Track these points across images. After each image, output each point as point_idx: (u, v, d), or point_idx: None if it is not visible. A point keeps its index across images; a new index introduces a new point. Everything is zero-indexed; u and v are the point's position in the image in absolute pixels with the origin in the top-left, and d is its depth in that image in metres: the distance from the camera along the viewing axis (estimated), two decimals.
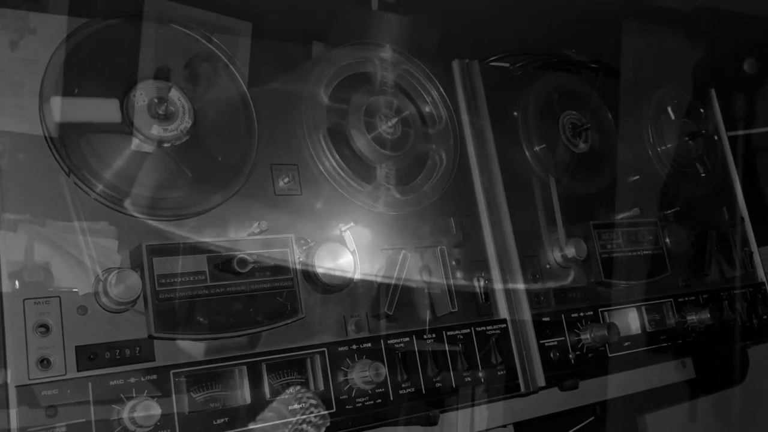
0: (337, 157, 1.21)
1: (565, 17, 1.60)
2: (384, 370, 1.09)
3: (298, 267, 1.07)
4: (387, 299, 1.15)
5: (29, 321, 0.90)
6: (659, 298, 1.52)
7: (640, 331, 1.47)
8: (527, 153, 1.45)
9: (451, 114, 1.37)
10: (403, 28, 1.41)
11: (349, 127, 1.23)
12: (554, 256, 1.39)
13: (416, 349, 1.17)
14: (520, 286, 1.33)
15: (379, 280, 1.18)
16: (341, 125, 1.23)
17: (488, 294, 1.29)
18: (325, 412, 1.02)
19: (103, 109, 1.01)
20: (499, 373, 1.24)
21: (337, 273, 1.10)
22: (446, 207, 1.31)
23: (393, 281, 1.16)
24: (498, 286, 1.31)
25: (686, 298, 1.57)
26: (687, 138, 1.73)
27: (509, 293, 1.32)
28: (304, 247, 1.11)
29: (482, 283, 1.29)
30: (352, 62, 1.29)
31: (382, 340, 1.15)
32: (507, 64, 1.56)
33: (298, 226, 1.14)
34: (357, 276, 1.14)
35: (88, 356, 0.92)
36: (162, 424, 0.92)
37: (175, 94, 1.07)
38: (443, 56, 1.42)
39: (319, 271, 1.09)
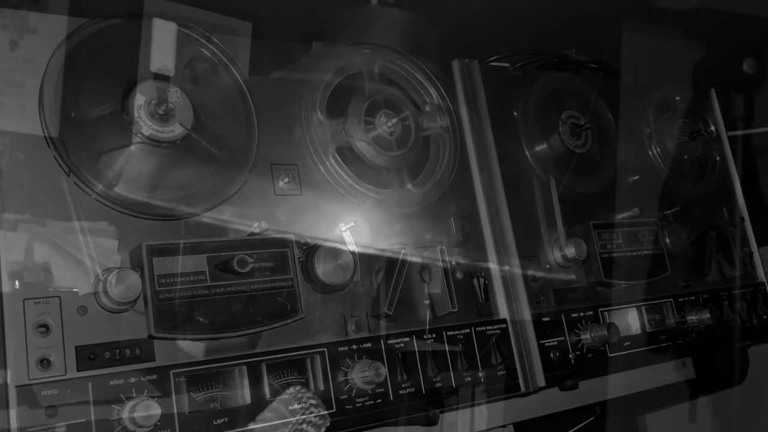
0: (338, 157, 1.21)
1: (565, 17, 1.60)
2: (384, 370, 1.09)
3: (298, 267, 1.07)
4: (387, 299, 1.15)
5: (29, 321, 0.90)
6: (659, 298, 1.52)
7: (640, 331, 1.47)
8: (527, 153, 1.45)
9: (451, 114, 1.37)
10: (402, 27, 1.41)
11: (353, 140, 1.23)
12: (554, 256, 1.39)
13: (416, 349, 1.17)
14: (521, 286, 1.33)
15: (378, 279, 1.18)
16: (347, 142, 1.23)
17: (488, 294, 1.29)
18: (325, 412, 1.02)
19: None
20: (499, 373, 1.24)
21: (337, 273, 1.10)
22: (446, 207, 1.31)
23: (393, 281, 1.16)
24: (498, 286, 1.31)
25: (686, 298, 1.57)
26: (687, 138, 1.73)
27: (509, 293, 1.32)
28: (304, 247, 1.11)
29: (482, 283, 1.29)
30: (340, 67, 1.27)
31: (382, 340, 1.15)
32: (507, 64, 1.56)
33: (298, 226, 1.14)
34: (357, 276, 1.14)
35: (88, 356, 0.92)
36: (162, 424, 0.92)
37: (174, 94, 1.07)
38: (443, 56, 1.42)
39: (319, 271, 1.09)
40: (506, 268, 1.33)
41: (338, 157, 1.21)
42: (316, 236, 1.14)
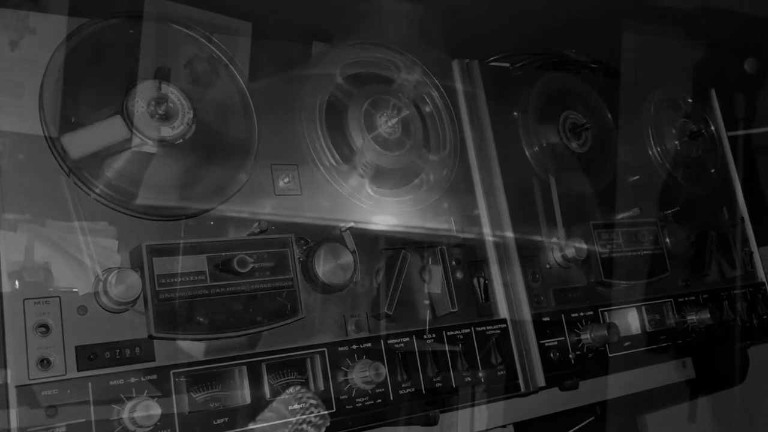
0: (337, 156, 1.21)
1: (565, 17, 1.60)
2: (384, 370, 1.09)
3: (298, 267, 1.07)
4: (387, 299, 1.15)
5: (29, 321, 0.90)
6: (659, 298, 1.52)
7: (640, 331, 1.47)
8: (527, 153, 1.45)
9: (451, 114, 1.37)
10: (404, 23, 1.41)
11: (349, 108, 1.23)
12: (554, 256, 1.39)
13: (416, 349, 1.17)
14: (521, 286, 1.33)
15: (378, 279, 1.18)
16: (342, 102, 1.23)
17: (488, 294, 1.29)
18: (325, 412, 1.02)
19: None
20: (499, 373, 1.24)
21: (337, 273, 1.10)
22: (446, 207, 1.31)
23: (393, 281, 1.16)
24: (498, 286, 1.31)
25: (686, 298, 1.57)
26: (687, 138, 1.73)
27: (509, 293, 1.32)
28: (304, 247, 1.11)
29: (482, 283, 1.29)
30: (378, 62, 1.29)
31: (382, 340, 1.15)
32: (507, 64, 1.56)
33: (298, 226, 1.14)
34: (357, 276, 1.14)
35: (88, 356, 0.92)
36: (162, 424, 0.92)
37: (174, 94, 1.07)
38: (443, 56, 1.42)
39: (319, 271, 1.09)
40: (506, 267, 1.33)
41: (329, 138, 1.21)
42: (316, 236, 1.14)
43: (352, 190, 1.21)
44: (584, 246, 1.38)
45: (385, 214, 1.24)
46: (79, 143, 0.97)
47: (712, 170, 1.79)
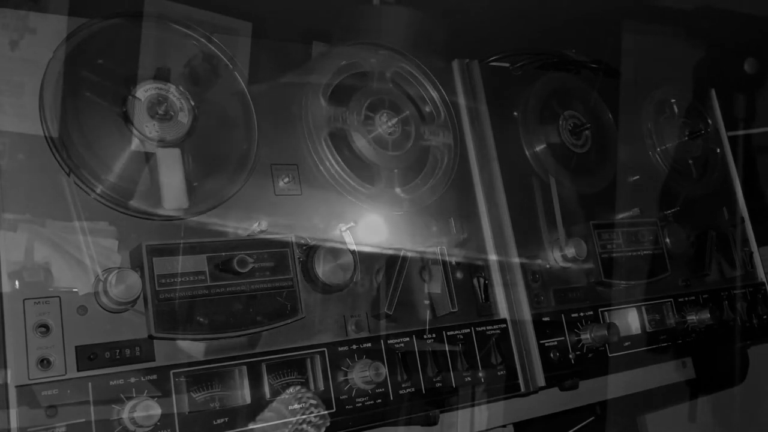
0: (338, 157, 1.21)
1: (565, 17, 1.60)
2: (384, 370, 1.09)
3: (298, 267, 1.07)
4: (387, 299, 1.15)
5: (29, 321, 0.90)
6: (659, 298, 1.52)
7: (640, 331, 1.47)
8: (527, 153, 1.45)
9: (451, 114, 1.37)
10: (403, 27, 1.42)
11: (350, 131, 1.23)
12: (554, 256, 1.39)
13: (416, 349, 1.17)
14: (521, 286, 1.33)
15: (378, 279, 1.18)
16: (342, 130, 1.23)
17: (488, 294, 1.29)
18: (325, 412, 1.02)
19: None
20: (499, 373, 1.24)
21: (337, 273, 1.10)
22: (446, 207, 1.31)
23: (393, 281, 1.16)
24: (498, 286, 1.31)
25: (686, 298, 1.57)
26: (687, 138, 1.73)
27: (509, 293, 1.32)
28: (304, 247, 1.11)
29: (482, 283, 1.29)
30: (348, 63, 1.28)
31: (382, 340, 1.15)
32: (507, 64, 1.56)
33: (298, 226, 1.14)
34: (357, 276, 1.14)
35: (88, 356, 0.92)
36: (162, 424, 0.92)
37: (174, 94, 1.07)
38: (443, 56, 1.42)
39: (319, 271, 1.09)
40: (506, 267, 1.33)
41: (330, 142, 1.20)
42: (316, 236, 1.14)
43: (352, 190, 1.21)
44: (584, 246, 1.38)
45: (385, 214, 1.24)
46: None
47: (712, 170, 1.79)
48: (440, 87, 1.37)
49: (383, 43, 1.33)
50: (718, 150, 1.83)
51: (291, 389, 1.02)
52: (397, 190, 1.26)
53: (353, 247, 1.15)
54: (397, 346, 1.16)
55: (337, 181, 1.20)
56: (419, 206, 1.27)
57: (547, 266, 1.39)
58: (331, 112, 1.22)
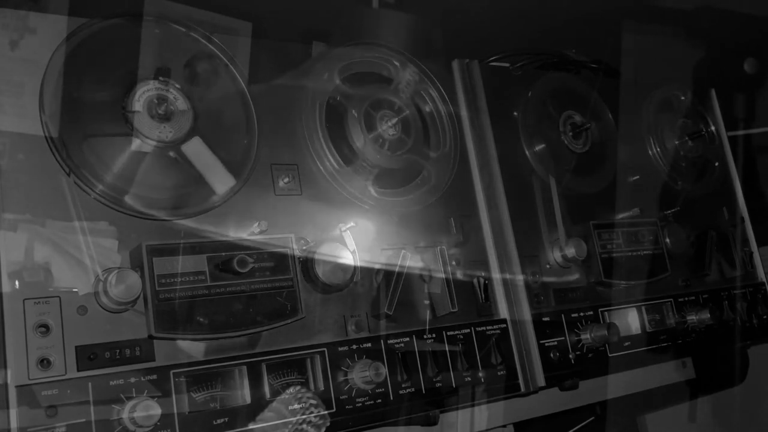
0: (338, 156, 1.21)
1: (565, 17, 1.60)
2: (384, 370, 1.09)
3: (298, 267, 1.07)
4: (387, 299, 1.15)
5: (29, 321, 0.90)
6: (659, 298, 1.52)
7: (640, 331, 1.47)
8: (527, 153, 1.45)
9: (451, 114, 1.37)
10: (403, 27, 1.41)
11: (349, 110, 1.23)
12: (554, 256, 1.39)
13: (416, 349, 1.17)
14: (521, 286, 1.33)
15: (379, 279, 1.18)
16: (341, 103, 1.23)
17: (488, 294, 1.29)
18: (325, 412, 1.02)
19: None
20: (499, 373, 1.24)
21: (337, 273, 1.10)
22: (446, 207, 1.31)
23: (393, 281, 1.16)
24: (498, 286, 1.31)
25: (686, 298, 1.57)
26: (687, 138, 1.73)
27: (509, 293, 1.32)
28: (304, 247, 1.11)
29: (482, 283, 1.29)
30: (375, 61, 1.29)
31: (382, 340, 1.15)
32: (507, 64, 1.56)
33: (298, 226, 1.14)
34: (357, 276, 1.14)
35: (88, 356, 0.92)
36: (162, 424, 0.92)
37: (174, 94, 1.07)
38: (443, 56, 1.42)
39: (319, 271, 1.09)
40: (506, 267, 1.33)
41: (329, 139, 1.21)
42: (316, 236, 1.14)
43: (352, 189, 1.21)
44: (584, 246, 1.38)
45: (384, 214, 1.24)
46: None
47: (712, 170, 1.79)
48: (440, 86, 1.37)
49: (382, 43, 1.33)
50: (718, 150, 1.83)
51: (291, 389, 1.02)
52: (398, 189, 1.26)
53: (353, 248, 1.15)
54: (397, 346, 1.16)
55: (337, 181, 1.20)
56: (421, 205, 1.27)
57: (547, 266, 1.39)
58: (339, 86, 1.22)
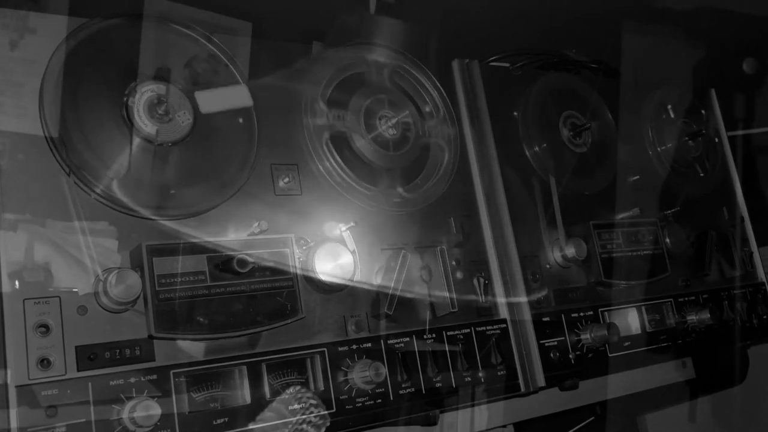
0: (338, 157, 1.21)
1: (565, 17, 1.60)
2: (384, 370, 1.09)
3: (298, 267, 1.07)
4: (387, 299, 1.15)
5: (29, 321, 0.90)
6: (659, 298, 1.52)
7: (640, 331, 1.47)
8: (527, 153, 1.45)
9: (451, 114, 1.37)
10: (403, 27, 1.41)
11: (350, 132, 1.23)
12: (554, 256, 1.39)
13: (416, 349, 1.17)
14: (520, 286, 1.33)
15: (379, 280, 1.18)
16: (343, 133, 1.23)
17: (488, 294, 1.29)
18: (325, 412, 1.02)
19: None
20: (499, 373, 1.24)
21: (337, 273, 1.10)
22: (446, 207, 1.31)
23: (393, 281, 1.16)
24: (498, 286, 1.31)
25: (686, 298, 1.57)
26: (687, 138, 1.73)
27: (509, 293, 1.32)
28: (304, 247, 1.11)
29: (482, 283, 1.29)
30: (346, 64, 1.28)
31: (382, 340, 1.15)
32: (507, 64, 1.56)
33: (298, 226, 1.14)
34: (357, 276, 1.14)
35: (88, 356, 0.92)
36: (162, 424, 0.92)
37: (174, 94, 1.07)
38: (443, 56, 1.42)
39: (319, 271, 1.09)
40: (506, 268, 1.33)
41: (330, 143, 1.20)
42: (316, 236, 1.14)
43: (352, 190, 1.21)
44: (584, 246, 1.38)
45: (384, 214, 1.24)
46: (209, 101, 1.03)
47: (712, 170, 1.79)
48: (439, 86, 1.37)
49: (381, 42, 1.33)
50: (718, 150, 1.83)
51: (291, 389, 1.02)
52: (399, 189, 1.26)
53: (353, 248, 1.15)
54: (397, 346, 1.16)
55: (337, 181, 1.20)
56: (421, 205, 1.27)
57: (547, 266, 1.39)
58: (330, 112, 1.22)
